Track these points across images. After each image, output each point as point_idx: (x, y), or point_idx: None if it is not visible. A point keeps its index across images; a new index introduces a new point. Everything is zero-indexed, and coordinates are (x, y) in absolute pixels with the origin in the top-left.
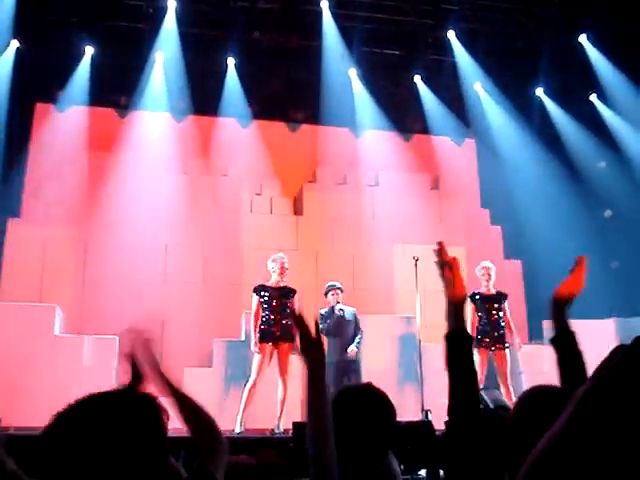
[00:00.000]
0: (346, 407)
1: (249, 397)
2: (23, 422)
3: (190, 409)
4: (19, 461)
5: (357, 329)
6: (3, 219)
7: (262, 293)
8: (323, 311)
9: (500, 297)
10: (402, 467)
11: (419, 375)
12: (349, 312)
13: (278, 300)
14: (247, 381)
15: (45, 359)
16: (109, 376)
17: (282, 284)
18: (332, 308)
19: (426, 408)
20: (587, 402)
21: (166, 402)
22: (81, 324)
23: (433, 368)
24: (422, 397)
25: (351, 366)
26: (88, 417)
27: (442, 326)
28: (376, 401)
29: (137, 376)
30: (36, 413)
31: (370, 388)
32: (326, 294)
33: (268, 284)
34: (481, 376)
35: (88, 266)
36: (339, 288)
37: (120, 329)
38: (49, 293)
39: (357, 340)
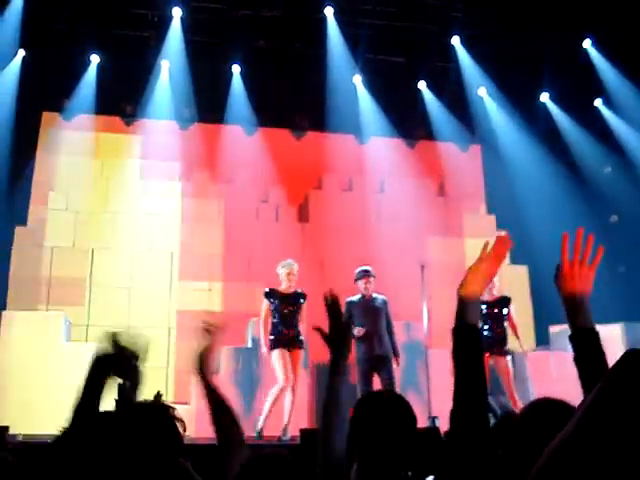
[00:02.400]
0: (368, 414)
1: (276, 401)
2: (31, 429)
3: (218, 403)
4: (28, 467)
5: (389, 320)
6: (10, 227)
7: (272, 299)
8: (355, 298)
9: (502, 302)
10: (410, 474)
11: (426, 382)
12: (380, 300)
13: (288, 307)
14: (276, 386)
15: (52, 366)
16: (114, 383)
17: (292, 290)
18: (363, 296)
19: (433, 415)
20: (596, 407)
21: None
22: (88, 331)
23: (439, 375)
24: (429, 404)
25: (381, 361)
26: (107, 424)
27: (447, 332)
28: (399, 408)
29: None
30: (44, 420)
31: (392, 394)
32: (356, 280)
33: (279, 290)
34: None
35: (95, 273)
36: (371, 275)
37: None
38: (56, 301)
39: (393, 339)
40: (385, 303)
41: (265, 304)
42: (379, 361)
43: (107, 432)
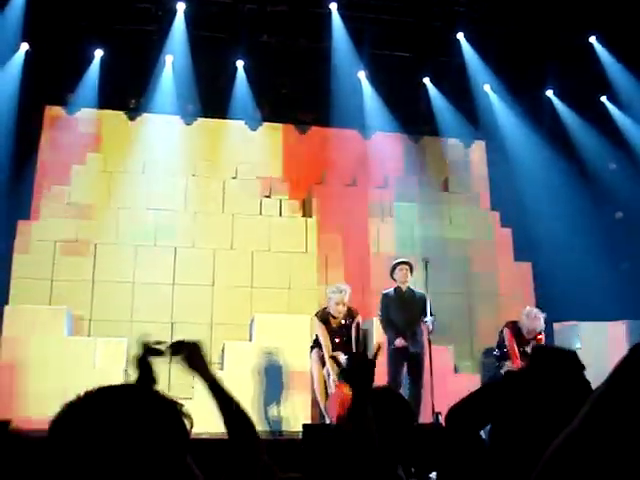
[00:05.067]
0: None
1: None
2: (33, 425)
3: (229, 409)
4: (31, 464)
5: (427, 313)
6: (13, 221)
7: (325, 326)
8: (388, 291)
9: None
10: (413, 470)
11: (429, 378)
12: (418, 294)
13: (335, 338)
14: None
15: (55, 361)
16: (119, 378)
17: (341, 320)
18: (396, 288)
19: (436, 411)
20: (603, 402)
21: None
22: (91, 326)
23: (442, 371)
24: (432, 400)
25: (413, 358)
26: (113, 415)
27: (449, 328)
28: (397, 403)
29: (147, 379)
30: (46, 416)
31: (389, 390)
32: (392, 271)
33: (329, 319)
34: None
35: (98, 268)
36: (408, 265)
37: (129, 331)
38: (59, 295)
39: (431, 322)
40: (423, 299)
41: (319, 328)
42: (411, 358)
43: (109, 427)
